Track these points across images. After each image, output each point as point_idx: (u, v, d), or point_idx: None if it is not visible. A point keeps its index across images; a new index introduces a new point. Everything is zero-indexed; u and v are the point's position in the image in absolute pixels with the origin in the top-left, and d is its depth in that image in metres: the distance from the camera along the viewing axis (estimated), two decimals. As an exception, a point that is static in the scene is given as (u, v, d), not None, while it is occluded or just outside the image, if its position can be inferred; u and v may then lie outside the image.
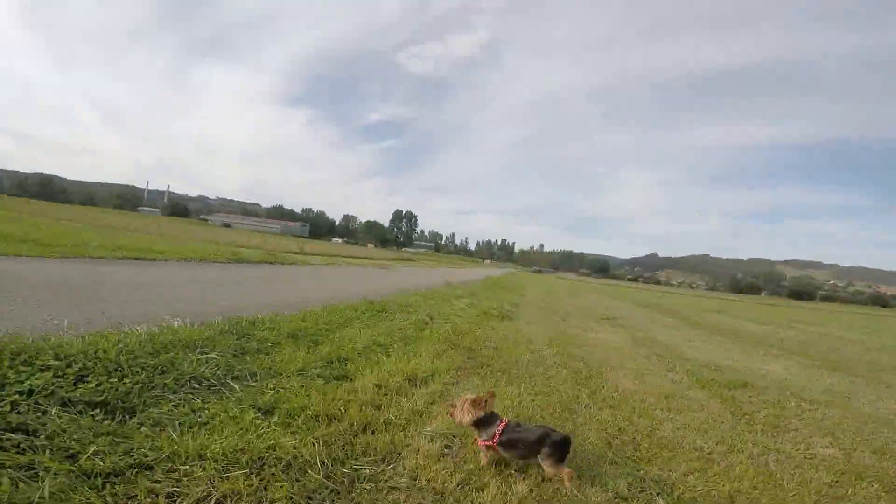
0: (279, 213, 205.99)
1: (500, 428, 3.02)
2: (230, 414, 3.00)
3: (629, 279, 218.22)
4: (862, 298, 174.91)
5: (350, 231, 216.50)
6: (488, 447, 3.04)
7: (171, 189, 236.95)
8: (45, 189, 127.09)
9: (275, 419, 3.02)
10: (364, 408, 3.50)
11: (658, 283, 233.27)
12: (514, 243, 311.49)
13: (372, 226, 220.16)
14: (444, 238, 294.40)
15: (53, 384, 2.84)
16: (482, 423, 3.07)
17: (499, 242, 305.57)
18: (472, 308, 10.89)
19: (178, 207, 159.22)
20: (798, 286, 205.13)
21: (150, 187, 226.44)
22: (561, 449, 2.88)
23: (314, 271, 15.68)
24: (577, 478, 2.90)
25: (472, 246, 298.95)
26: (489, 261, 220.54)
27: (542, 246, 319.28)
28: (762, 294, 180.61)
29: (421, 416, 3.59)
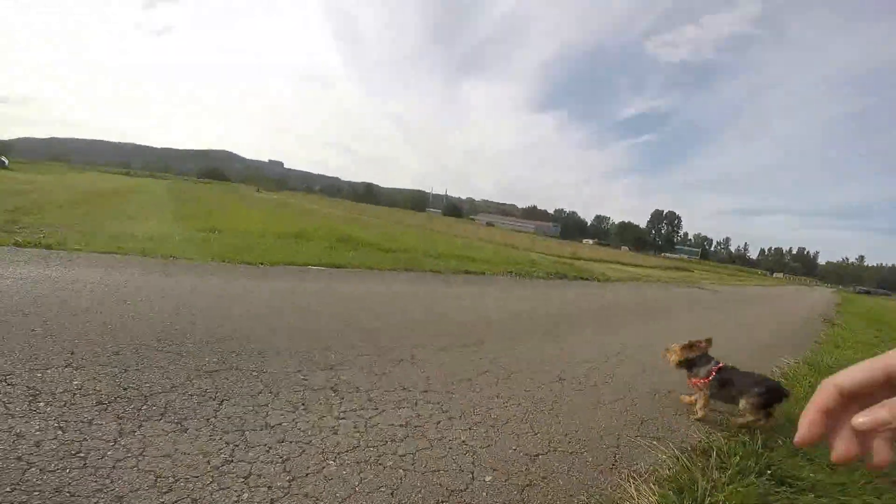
0: (532, 213, 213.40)
1: (717, 367, 3.13)
2: None
3: None
4: None
5: (602, 232, 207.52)
6: (701, 385, 3.15)
7: (447, 192, 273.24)
8: (367, 193, 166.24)
9: None
10: None
11: None
12: (816, 253, 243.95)
13: (626, 227, 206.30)
14: (714, 243, 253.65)
15: None
16: (694, 364, 3.22)
17: (793, 251, 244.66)
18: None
19: (453, 208, 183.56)
20: None
21: (434, 191, 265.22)
22: (772, 395, 2.84)
23: (638, 295, 12.92)
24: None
25: (753, 253, 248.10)
26: (780, 274, 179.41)
27: (861, 258, 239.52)
28: None
29: None
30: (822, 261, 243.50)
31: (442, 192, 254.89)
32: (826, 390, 0.54)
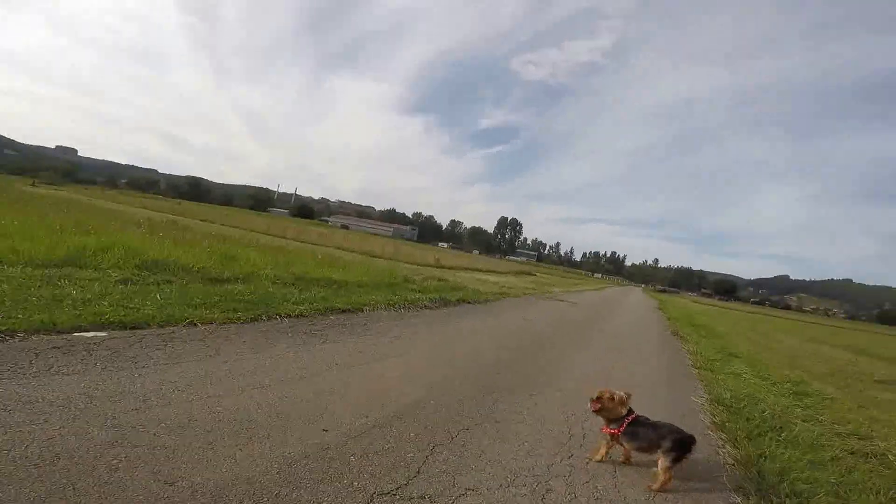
0: (391, 217, 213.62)
1: (630, 418, 3.15)
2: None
3: (753, 302, 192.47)
4: None
5: (455, 236, 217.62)
6: (613, 435, 3.19)
7: (297, 191, 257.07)
8: (194, 189, 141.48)
9: None
10: None
11: (787, 307, 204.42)
12: (624, 256, 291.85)
13: (477, 232, 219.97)
14: (547, 247, 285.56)
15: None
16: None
17: (607, 254, 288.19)
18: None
19: (304, 209, 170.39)
20: None
21: (280, 189, 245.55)
22: (683, 447, 2.90)
23: (519, 319, 11.90)
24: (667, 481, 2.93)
25: (577, 256, 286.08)
26: (599, 275, 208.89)
27: (656, 261, 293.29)
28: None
29: None
30: (628, 262, 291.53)
31: (291, 191, 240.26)
32: None
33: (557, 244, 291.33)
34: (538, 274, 64.07)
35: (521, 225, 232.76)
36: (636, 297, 44.11)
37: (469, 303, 11.27)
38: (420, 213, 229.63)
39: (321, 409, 3.49)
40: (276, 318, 5.96)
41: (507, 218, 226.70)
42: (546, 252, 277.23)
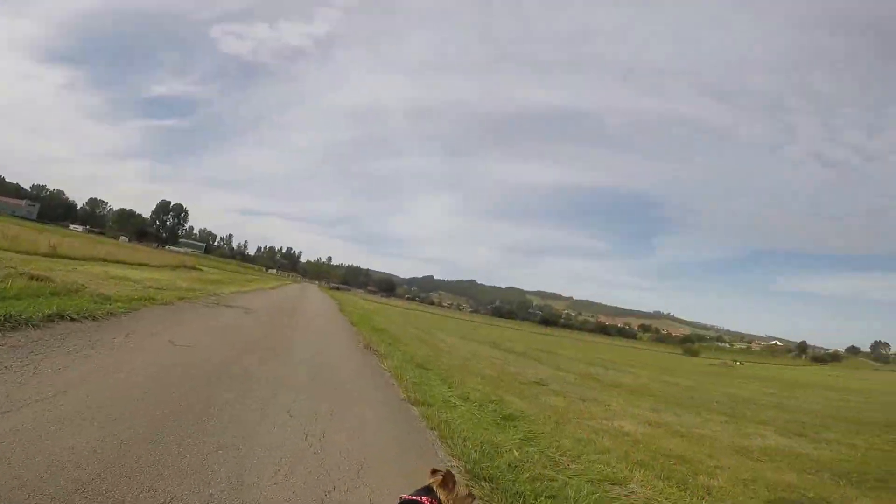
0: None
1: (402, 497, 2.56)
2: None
3: (408, 298, 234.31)
4: (590, 326, 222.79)
5: (96, 218, 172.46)
6: None
7: None
8: None
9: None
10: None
11: (432, 303, 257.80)
12: (300, 252, 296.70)
13: (127, 215, 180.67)
14: (217, 238, 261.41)
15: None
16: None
17: (283, 250, 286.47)
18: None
19: None
20: (547, 315, 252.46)
21: None
22: None
23: (161, 351, 8.53)
24: None
25: (251, 250, 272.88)
26: (274, 270, 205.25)
27: (329, 258, 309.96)
28: (516, 320, 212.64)
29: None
30: (303, 259, 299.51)
31: None
32: None
33: (230, 236, 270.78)
34: (205, 269, 56.41)
35: (186, 212, 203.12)
36: (315, 296, 43.83)
37: (75, 319, 7.27)
38: (44, 185, 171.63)
39: None
40: None
41: (169, 202, 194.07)
42: (216, 244, 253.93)
